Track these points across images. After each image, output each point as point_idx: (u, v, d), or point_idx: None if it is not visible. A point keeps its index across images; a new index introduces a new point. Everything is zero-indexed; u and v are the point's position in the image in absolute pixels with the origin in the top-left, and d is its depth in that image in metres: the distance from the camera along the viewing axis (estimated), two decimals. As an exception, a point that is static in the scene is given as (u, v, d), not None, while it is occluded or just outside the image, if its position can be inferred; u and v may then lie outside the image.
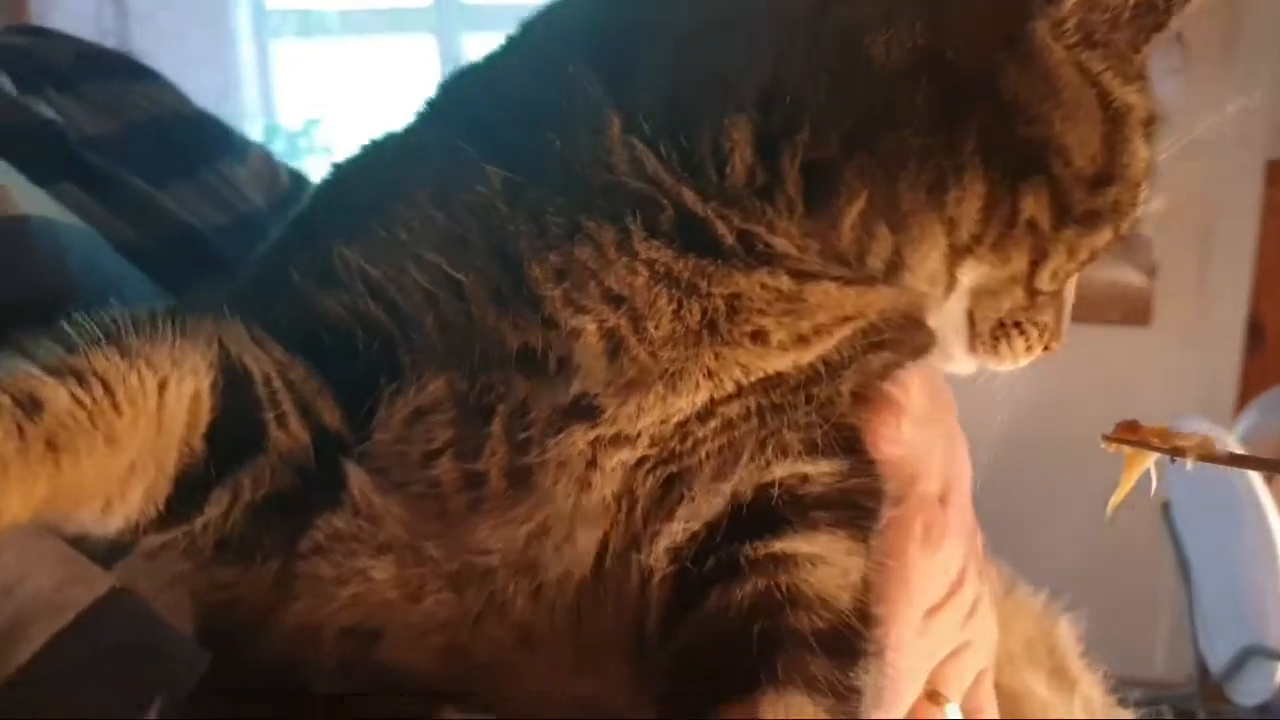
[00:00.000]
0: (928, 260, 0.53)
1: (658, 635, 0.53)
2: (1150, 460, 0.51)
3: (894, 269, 0.53)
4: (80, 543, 0.49)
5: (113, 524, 0.49)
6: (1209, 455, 0.50)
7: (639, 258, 0.51)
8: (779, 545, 0.52)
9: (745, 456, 0.53)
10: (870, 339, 0.55)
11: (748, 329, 0.52)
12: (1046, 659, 0.77)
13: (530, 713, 0.55)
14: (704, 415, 0.53)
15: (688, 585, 0.52)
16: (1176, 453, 0.50)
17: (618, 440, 0.52)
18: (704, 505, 0.52)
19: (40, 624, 0.45)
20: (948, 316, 0.58)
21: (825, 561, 0.53)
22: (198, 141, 0.86)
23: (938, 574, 0.62)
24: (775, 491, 0.53)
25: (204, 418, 0.51)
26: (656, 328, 0.51)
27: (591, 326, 0.51)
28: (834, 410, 0.55)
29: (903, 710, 0.60)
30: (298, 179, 0.95)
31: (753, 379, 0.53)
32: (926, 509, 0.61)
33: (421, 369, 0.53)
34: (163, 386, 0.49)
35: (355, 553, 0.53)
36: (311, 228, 0.59)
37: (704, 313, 0.51)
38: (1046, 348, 0.60)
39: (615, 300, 0.51)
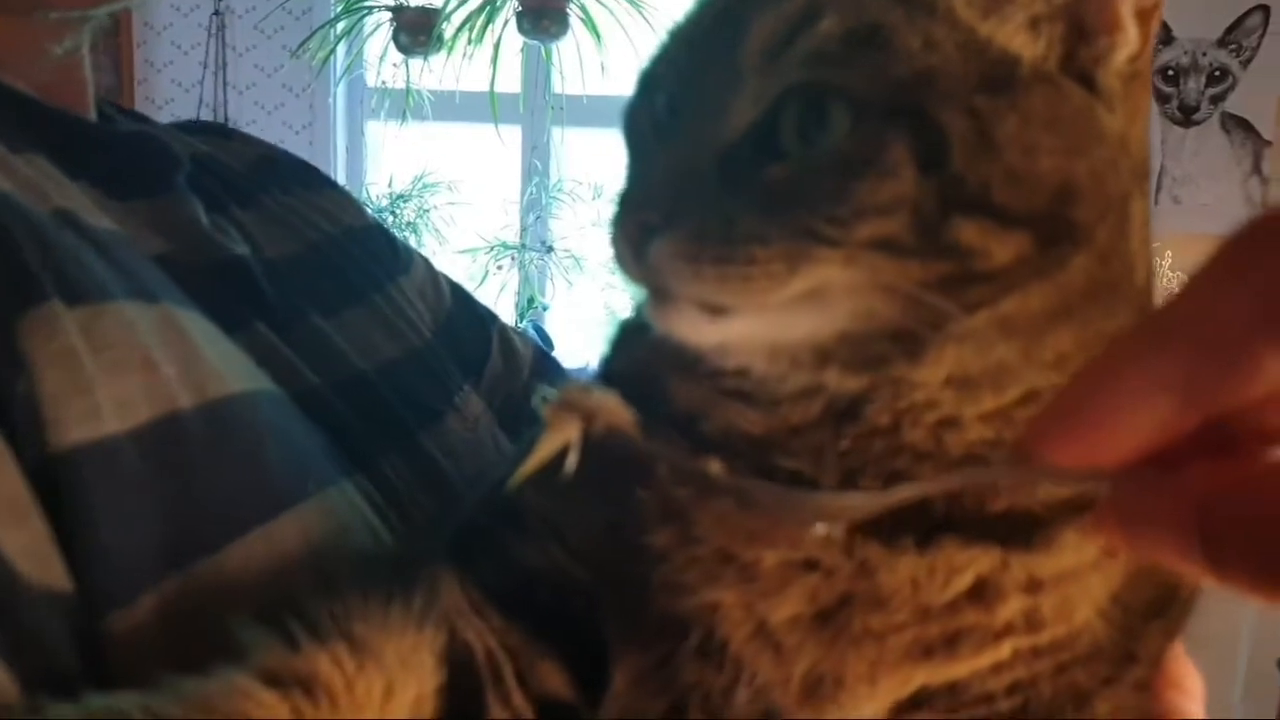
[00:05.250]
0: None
1: None
2: (574, 431, 0.39)
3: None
4: None
5: None
6: (618, 429, 0.39)
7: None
8: None
9: None
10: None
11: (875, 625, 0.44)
12: None
13: None
14: None
15: None
16: (587, 420, 0.39)
17: None
18: None
19: None
20: None
21: None
22: (369, 260, 0.83)
23: None
24: None
25: None
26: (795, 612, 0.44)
27: (730, 599, 0.45)
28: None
29: None
30: (454, 287, 0.94)
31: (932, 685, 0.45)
32: None
33: (619, 632, 0.48)
34: (388, 692, 0.45)
35: None
36: (504, 470, 0.53)
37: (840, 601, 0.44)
38: None
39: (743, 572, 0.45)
